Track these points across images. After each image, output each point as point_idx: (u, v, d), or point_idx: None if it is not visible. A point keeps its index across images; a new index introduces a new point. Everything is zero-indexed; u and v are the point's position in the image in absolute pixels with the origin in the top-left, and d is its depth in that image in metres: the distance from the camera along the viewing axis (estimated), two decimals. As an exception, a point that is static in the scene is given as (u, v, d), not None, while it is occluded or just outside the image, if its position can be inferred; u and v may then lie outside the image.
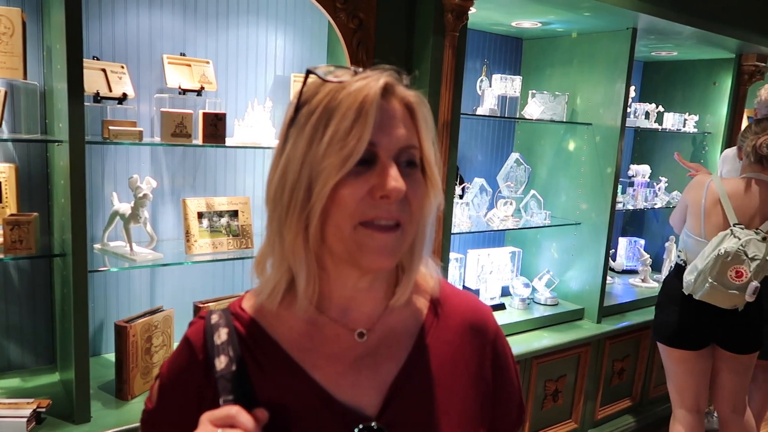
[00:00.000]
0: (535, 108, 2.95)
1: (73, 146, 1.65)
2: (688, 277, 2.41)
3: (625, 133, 2.99)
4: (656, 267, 3.87)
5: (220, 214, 2.18)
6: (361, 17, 2.16)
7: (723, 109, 3.64)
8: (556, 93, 3.04)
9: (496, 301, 3.03)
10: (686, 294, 2.44)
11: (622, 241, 4.01)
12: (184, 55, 2.19)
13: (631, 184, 3.69)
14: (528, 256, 3.37)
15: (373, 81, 0.70)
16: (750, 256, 2.27)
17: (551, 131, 3.25)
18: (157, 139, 2.08)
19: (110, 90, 1.98)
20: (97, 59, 2.03)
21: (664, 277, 3.29)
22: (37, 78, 1.96)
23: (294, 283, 0.76)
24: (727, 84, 3.62)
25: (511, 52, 3.28)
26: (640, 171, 3.71)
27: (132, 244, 2.03)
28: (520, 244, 3.38)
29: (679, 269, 2.58)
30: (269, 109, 2.26)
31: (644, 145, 4.11)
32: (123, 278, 2.23)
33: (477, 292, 3.00)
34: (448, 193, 2.43)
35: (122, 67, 2.05)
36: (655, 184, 3.77)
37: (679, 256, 2.62)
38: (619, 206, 3.34)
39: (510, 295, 3.12)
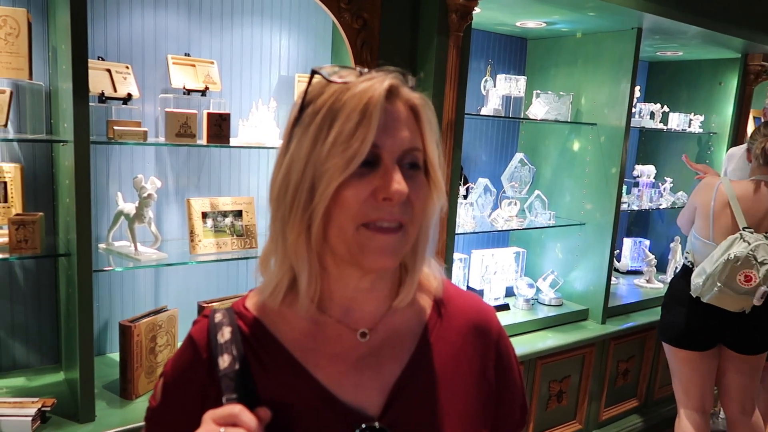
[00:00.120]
0: (539, 108, 2.95)
1: (78, 146, 1.66)
2: (696, 280, 2.41)
3: (630, 133, 2.98)
4: (661, 268, 3.86)
5: (225, 214, 2.19)
6: (365, 17, 2.16)
7: (729, 109, 3.63)
8: (561, 93, 3.03)
9: (501, 302, 3.02)
10: (694, 296, 2.43)
11: (627, 242, 3.99)
12: (188, 55, 2.20)
13: (636, 185, 3.68)
14: (532, 257, 3.36)
15: (377, 83, 0.70)
16: (759, 260, 2.27)
17: (556, 131, 3.24)
18: (162, 139, 2.09)
19: (115, 90, 1.98)
20: (102, 59, 2.04)
21: (669, 278, 3.28)
22: (43, 78, 1.97)
23: (296, 282, 0.77)
24: (732, 84, 3.60)
25: (515, 52, 3.28)
26: (645, 171, 3.70)
27: (136, 244, 2.03)
28: (525, 244, 3.37)
29: (686, 270, 2.58)
30: (273, 109, 2.26)
31: (649, 145, 4.09)
32: (127, 278, 2.24)
33: (481, 292, 3.00)
34: (452, 194, 2.43)
35: (127, 68, 2.06)
36: (660, 184, 3.76)
37: (686, 258, 2.61)
38: (623, 207, 3.32)
39: (514, 295, 3.12)
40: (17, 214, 1.82)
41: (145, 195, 1.97)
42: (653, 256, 3.72)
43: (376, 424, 0.76)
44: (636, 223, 4.20)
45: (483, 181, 2.97)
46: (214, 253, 2.14)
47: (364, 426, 0.75)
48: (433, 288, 0.86)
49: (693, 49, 3.47)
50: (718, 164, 3.61)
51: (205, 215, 2.14)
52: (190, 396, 0.79)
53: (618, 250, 3.88)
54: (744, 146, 2.72)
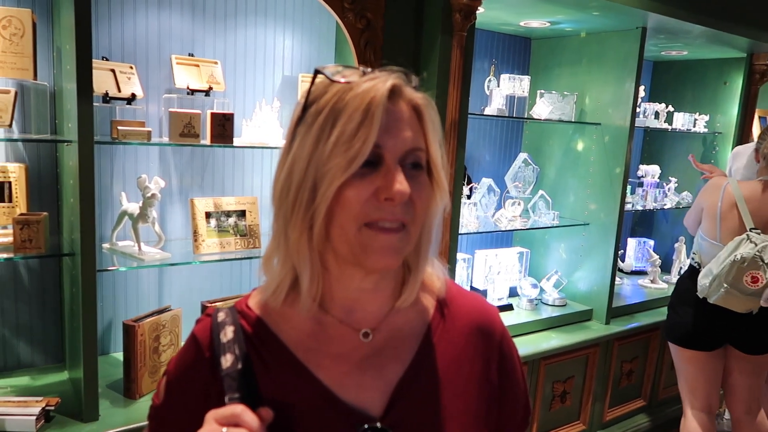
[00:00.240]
0: (543, 108, 2.94)
1: (82, 146, 1.66)
2: (703, 281, 2.40)
3: (634, 133, 2.96)
4: (665, 268, 3.85)
5: (228, 214, 2.19)
6: (368, 17, 2.16)
7: (734, 109, 3.61)
8: (565, 93, 3.02)
9: (504, 302, 3.02)
10: (700, 297, 2.43)
11: (631, 242, 3.98)
12: (192, 55, 2.20)
13: (641, 185, 3.66)
14: (536, 257, 3.35)
15: (380, 83, 0.70)
16: (766, 262, 2.26)
17: (560, 131, 3.23)
18: (166, 139, 2.09)
19: (119, 90, 1.99)
20: (107, 60, 2.04)
21: (674, 278, 3.28)
22: (47, 78, 1.97)
23: (298, 282, 0.77)
24: (738, 83, 3.58)
25: (519, 51, 3.27)
26: (650, 171, 3.69)
27: (140, 244, 2.04)
28: (528, 244, 3.37)
29: (692, 271, 2.57)
30: (277, 109, 2.26)
31: (654, 145, 4.08)
32: (131, 278, 2.24)
33: (484, 292, 2.99)
34: (456, 194, 2.43)
35: (131, 68, 2.06)
36: (664, 184, 3.75)
37: (693, 258, 2.60)
38: (628, 207, 3.31)
39: (518, 295, 3.11)
40: (21, 214, 1.83)
41: (149, 195, 1.98)
42: (657, 257, 3.71)
43: (378, 424, 0.75)
44: (640, 223, 4.19)
45: (486, 181, 2.96)
46: (218, 252, 2.14)
47: (366, 426, 0.75)
48: (437, 288, 0.86)
49: (698, 49, 3.46)
50: (723, 164, 3.60)
51: (208, 215, 2.15)
52: (193, 394, 0.79)
53: (622, 251, 3.87)
54: (750, 145, 2.71)
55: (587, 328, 3.02)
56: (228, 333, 0.78)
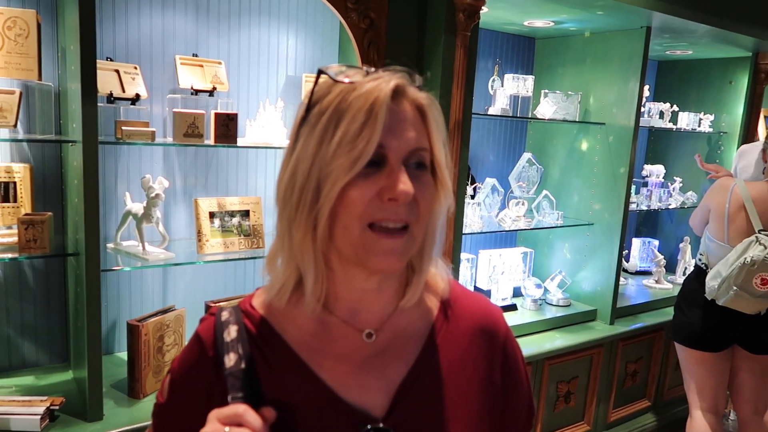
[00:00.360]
0: (547, 108, 2.94)
1: (87, 146, 1.67)
2: (711, 282, 2.39)
3: (638, 132, 2.96)
4: (670, 268, 3.83)
5: (232, 214, 2.19)
6: (372, 17, 2.16)
7: (739, 109, 3.60)
8: (569, 92, 3.01)
9: (508, 302, 3.01)
10: (709, 299, 2.42)
11: (636, 242, 3.97)
12: (196, 55, 2.20)
13: (645, 185, 3.65)
14: (540, 257, 3.35)
15: (383, 83, 0.70)
16: None
17: (564, 131, 3.22)
18: (170, 140, 2.09)
19: (123, 91, 1.99)
20: (111, 60, 2.05)
21: (678, 278, 3.26)
22: (52, 79, 1.98)
23: (302, 282, 0.77)
24: (743, 83, 3.57)
25: (523, 51, 3.27)
26: (654, 171, 3.68)
27: (144, 244, 2.04)
28: (532, 244, 3.36)
29: (699, 271, 2.56)
30: (281, 109, 2.26)
31: (658, 144, 4.06)
32: (135, 277, 2.25)
33: (488, 292, 2.99)
34: (460, 193, 2.42)
35: (135, 68, 2.07)
36: (669, 184, 3.74)
37: (700, 259, 2.59)
38: (632, 207, 3.30)
39: (522, 295, 3.11)
40: (26, 214, 1.83)
41: (153, 195, 1.98)
42: (662, 257, 3.69)
43: (381, 425, 0.75)
44: (645, 223, 4.17)
45: (490, 181, 2.96)
46: (222, 252, 2.14)
47: (369, 427, 0.75)
48: (440, 288, 0.86)
49: (703, 48, 3.45)
50: (729, 164, 3.58)
51: (212, 215, 2.15)
52: (196, 393, 0.80)
53: (627, 251, 3.86)
54: (756, 144, 2.70)
55: (591, 328, 3.01)
56: (232, 332, 0.78)
